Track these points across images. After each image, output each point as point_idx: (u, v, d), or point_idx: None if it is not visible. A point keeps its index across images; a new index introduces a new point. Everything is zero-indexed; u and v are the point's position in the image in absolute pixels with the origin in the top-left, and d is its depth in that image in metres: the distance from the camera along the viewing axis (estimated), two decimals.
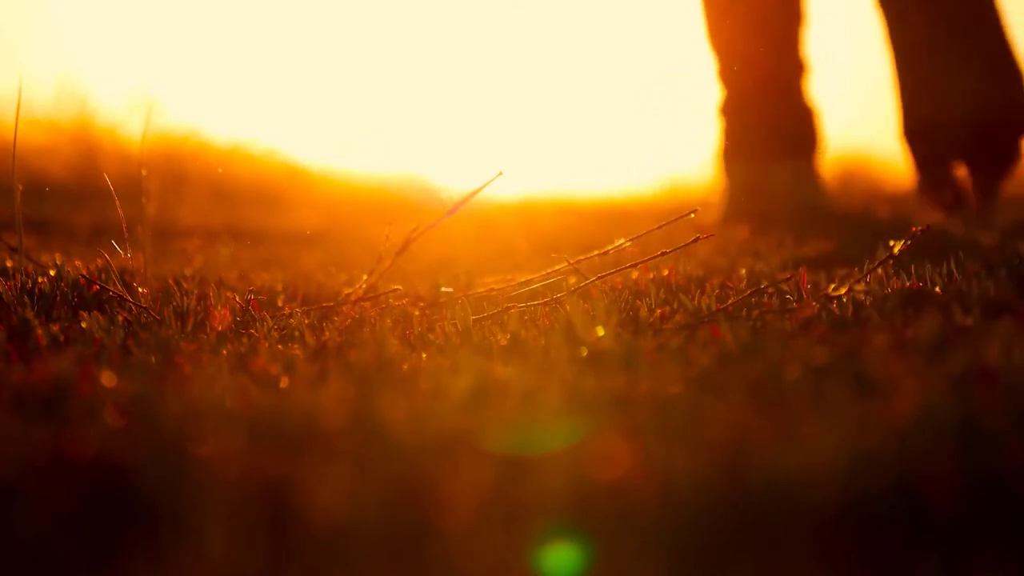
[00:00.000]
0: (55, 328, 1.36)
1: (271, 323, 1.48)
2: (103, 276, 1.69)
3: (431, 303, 1.70)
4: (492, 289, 1.66)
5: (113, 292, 1.58)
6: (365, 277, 1.61)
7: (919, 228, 1.59)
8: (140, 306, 1.53)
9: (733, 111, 3.75)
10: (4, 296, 1.52)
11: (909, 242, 1.55)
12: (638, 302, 1.52)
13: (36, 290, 1.57)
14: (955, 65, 2.98)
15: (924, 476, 0.70)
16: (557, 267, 1.65)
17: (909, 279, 1.48)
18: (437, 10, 9.03)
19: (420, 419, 0.86)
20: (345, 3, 9.34)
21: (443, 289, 1.76)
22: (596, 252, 1.62)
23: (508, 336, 1.30)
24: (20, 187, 1.65)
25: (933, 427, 0.76)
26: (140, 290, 1.60)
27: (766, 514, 0.68)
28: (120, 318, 1.48)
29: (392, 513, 0.69)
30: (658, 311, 1.45)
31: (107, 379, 1.02)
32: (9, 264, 1.84)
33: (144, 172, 1.74)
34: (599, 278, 1.57)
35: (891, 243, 1.54)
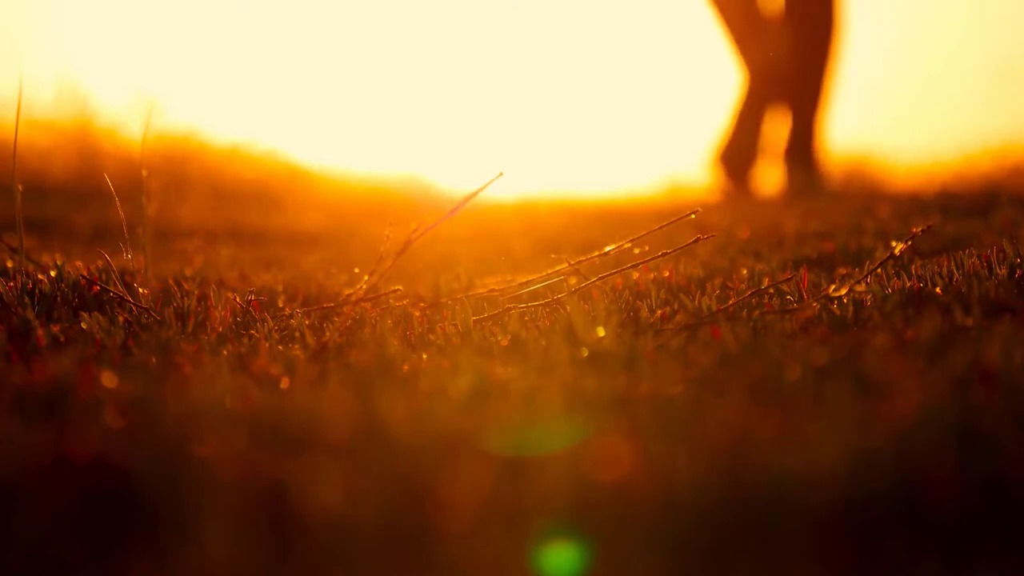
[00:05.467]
0: (55, 329, 1.36)
1: (271, 324, 1.48)
2: (104, 277, 1.69)
3: (432, 303, 1.70)
4: (492, 290, 1.66)
5: (114, 293, 1.58)
6: (366, 278, 1.61)
7: (919, 228, 1.59)
8: (141, 307, 1.53)
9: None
10: (5, 296, 1.52)
11: (909, 242, 1.55)
12: (639, 303, 1.52)
13: (37, 291, 1.57)
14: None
15: (925, 476, 0.70)
16: (557, 268, 1.65)
17: (909, 279, 1.48)
18: (437, 10, 9.03)
19: (420, 420, 0.86)
20: (345, 3, 9.35)
21: (445, 290, 1.76)
22: (596, 253, 1.62)
23: (509, 337, 1.30)
24: (20, 188, 1.65)
25: (933, 427, 0.76)
26: (141, 291, 1.60)
27: (767, 515, 0.68)
28: (121, 319, 1.48)
29: (392, 514, 0.69)
30: (659, 312, 1.45)
31: (108, 380, 1.02)
32: (10, 265, 1.85)
33: (144, 173, 1.74)
34: (600, 279, 1.57)
35: (892, 243, 1.54)
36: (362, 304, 1.59)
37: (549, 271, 1.66)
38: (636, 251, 1.74)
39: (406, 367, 1.17)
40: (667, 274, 1.77)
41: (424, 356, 1.25)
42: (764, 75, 5.38)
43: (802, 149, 5.33)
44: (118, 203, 1.67)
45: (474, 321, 1.44)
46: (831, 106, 5.43)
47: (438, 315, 1.60)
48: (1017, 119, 7.67)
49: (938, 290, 1.41)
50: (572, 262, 1.62)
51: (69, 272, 1.63)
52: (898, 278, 1.49)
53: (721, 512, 0.67)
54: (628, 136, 8.95)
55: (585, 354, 1.16)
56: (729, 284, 1.71)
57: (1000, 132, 7.17)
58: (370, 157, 7.92)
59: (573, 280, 1.72)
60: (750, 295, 1.43)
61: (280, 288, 1.87)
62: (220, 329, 1.48)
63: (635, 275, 1.75)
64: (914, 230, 1.58)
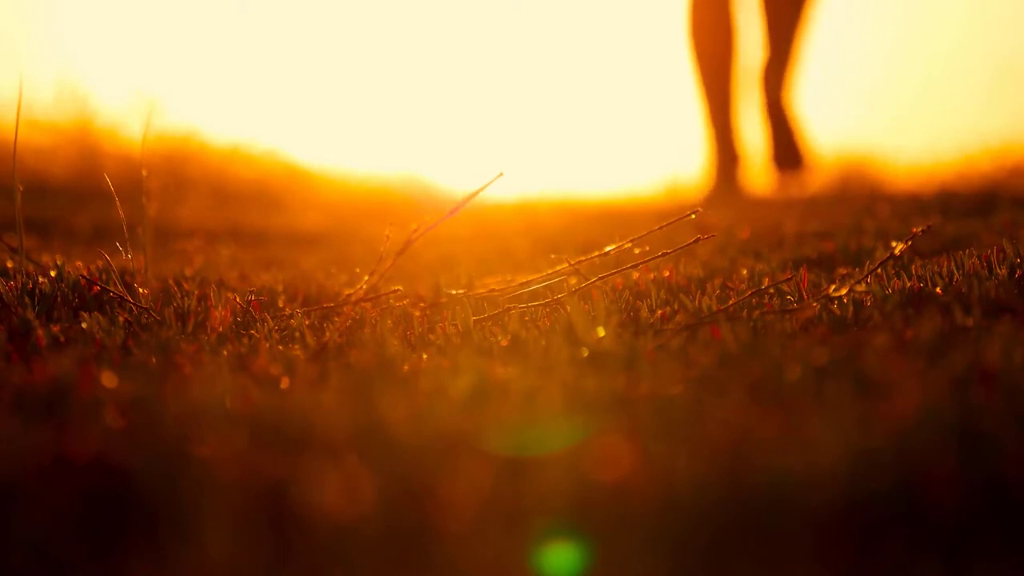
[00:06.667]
0: (56, 329, 1.36)
1: (272, 324, 1.48)
2: (104, 277, 1.69)
3: (432, 303, 1.70)
4: (493, 290, 1.66)
5: (114, 293, 1.58)
6: (366, 278, 1.61)
7: (919, 228, 1.59)
8: (141, 307, 1.53)
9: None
10: (5, 297, 1.52)
11: (909, 242, 1.55)
12: (639, 303, 1.52)
13: (37, 291, 1.57)
14: None
15: (925, 476, 0.70)
16: (557, 268, 1.65)
17: (909, 279, 1.48)
18: (437, 10, 9.04)
19: (420, 420, 0.86)
20: (345, 3, 9.35)
21: (445, 290, 1.76)
22: (597, 253, 1.62)
23: (509, 337, 1.30)
24: (20, 188, 1.65)
25: (933, 427, 0.76)
26: (141, 291, 1.60)
27: (767, 515, 0.68)
28: (121, 319, 1.48)
29: (392, 513, 0.69)
30: (659, 312, 1.45)
31: (108, 380, 1.02)
32: (10, 265, 1.85)
33: (145, 173, 1.74)
34: (600, 279, 1.57)
35: (892, 243, 1.54)
36: (362, 304, 1.59)
37: (549, 271, 1.66)
38: (636, 251, 1.74)
39: (406, 367, 1.17)
40: (667, 274, 1.77)
41: (424, 356, 1.25)
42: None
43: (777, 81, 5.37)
44: (118, 203, 1.67)
45: (474, 321, 1.44)
46: (804, 54, 5.49)
47: (438, 315, 1.60)
48: (1017, 119, 7.69)
49: (938, 290, 1.41)
50: (572, 262, 1.62)
51: (69, 272, 1.63)
52: (898, 278, 1.49)
53: (721, 512, 0.67)
54: (629, 137, 8.96)
55: (585, 354, 1.16)
56: (729, 284, 1.71)
57: (1000, 132, 7.18)
58: (370, 157, 7.93)
59: (573, 280, 1.72)
60: (750, 295, 1.43)
61: (280, 288, 1.87)
62: (220, 329, 1.48)
63: (635, 275, 1.75)
64: (914, 230, 1.58)
